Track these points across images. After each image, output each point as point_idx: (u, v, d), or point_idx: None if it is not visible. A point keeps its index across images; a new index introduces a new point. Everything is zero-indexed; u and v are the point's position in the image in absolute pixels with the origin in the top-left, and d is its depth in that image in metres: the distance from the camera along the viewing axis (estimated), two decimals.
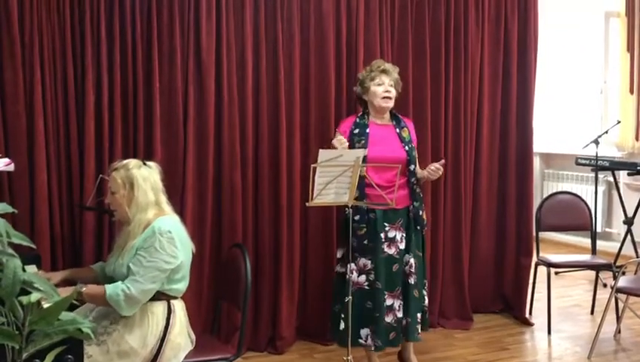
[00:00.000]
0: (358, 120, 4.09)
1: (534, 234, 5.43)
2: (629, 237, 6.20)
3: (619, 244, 6.40)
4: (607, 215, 7.66)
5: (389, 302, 4.00)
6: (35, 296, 1.58)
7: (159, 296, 3.15)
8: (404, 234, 4.03)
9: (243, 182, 4.54)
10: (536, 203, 5.61)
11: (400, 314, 4.03)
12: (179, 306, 3.25)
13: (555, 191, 6.74)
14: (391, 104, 4.09)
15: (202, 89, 4.40)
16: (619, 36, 7.41)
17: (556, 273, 6.31)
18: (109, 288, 3.05)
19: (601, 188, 7.27)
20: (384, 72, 4.07)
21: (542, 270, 5.31)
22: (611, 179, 6.84)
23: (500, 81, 5.30)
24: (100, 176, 3.85)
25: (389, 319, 4.01)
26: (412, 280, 4.05)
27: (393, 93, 4.08)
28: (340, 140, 3.94)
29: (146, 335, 3.10)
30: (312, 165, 3.64)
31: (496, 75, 5.28)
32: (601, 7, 7.66)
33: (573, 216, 5.55)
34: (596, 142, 6.23)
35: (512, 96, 5.30)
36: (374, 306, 3.99)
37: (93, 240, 4.15)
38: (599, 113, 7.84)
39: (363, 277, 4.00)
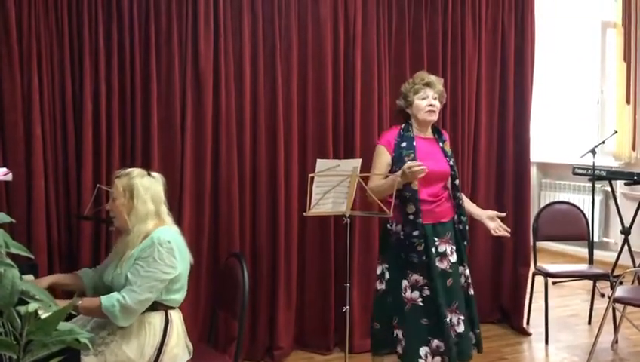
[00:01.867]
0: (402, 132, 3.88)
1: (532, 243, 5.43)
2: (626, 246, 6.20)
3: (616, 254, 6.41)
4: (604, 225, 7.67)
5: (447, 317, 3.79)
6: (33, 306, 1.58)
7: (157, 306, 3.14)
8: (454, 247, 3.86)
9: (240, 191, 4.54)
10: (533, 212, 5.61)
11: (461, 329, 3.82)
12: (176, 316, 3.23)
13: (552, 200, 6.74)
14: (435, 117, 3.91)
15: (200, 97, 4.40)
16: (615, 46, 7.43)
17: (554, 283, 6.32)
18: (104, 299, 3.03)
19: (598, 198, 7.28)
20: (428, 84, 3.88)
21: (539, 280, 5.31)
22: (608, 188, 6.85)
23: (497, 91, 5.31)
24: (98, 185, 3.85)
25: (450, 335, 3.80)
26: (472, 291, 3.94)
27: (437, 106, 3.89)
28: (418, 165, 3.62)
29: (143, 346, 3.09)
30: (310, 175, 3.64)
31: (493, 85, 5.29)
32: (597, 17, 7.69)
33: (570, 226, 5.56)
34: (593, 151, 6.24)
35: (509, 107, 5.31)
36: (433, 323, 3.77)
37: (90, 249, 4.15)
38: (596, 123, 7.87)
39: (416, 293, 3.78)
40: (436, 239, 3.78)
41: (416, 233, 3.72)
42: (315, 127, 4.75)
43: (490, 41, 5.27)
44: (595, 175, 6.34)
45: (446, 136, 4.05)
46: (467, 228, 3.93)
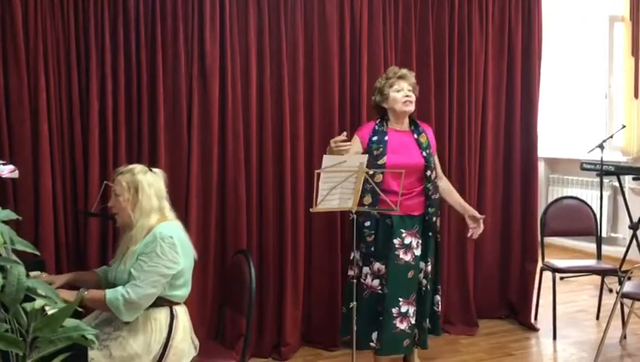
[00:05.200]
0: (376, 127, 4.08)
1: (539, 239, 5.42)
2: (634, 242, 6.17)
3: (624, 249, 6.37)
4: (612, 220, 7.63)
5: (403, 308, 3.98)
6: (39, 303, 1.58)
7: (161, 301, 3.15)
8: (420, 241, 4.05)
9: (247, 188, 4.54)
10: (541, 208, 5.60)
11: (414, 321, 4.03)
12: (182, 312, 3.24)
13: (560, 196, 6.71)
14: (412, 108, 4.09)
15: (206, 96, 4.40)
16: (623, 40, 7.39)
17: (561, 278, 6.29)
18: (109, 293, 3.05)
19: (606, 193, 7.25)
20: (402, 77, 4.07)
21: (547, 275, 5.30)
22: (616, 183, 6.82)
23: (504, 87, 5.29)
24: (105, 182, 3.86)
25: (403, 326, 3.99)
26: (428, 287, 4.11)
27: (413, 97, 4.09)
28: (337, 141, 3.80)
29: (149, 342, 3.10)
30: (316, 171, 3.64)
31: (500, 81, 5.27)
32: (605, 11, 7.65)
33: (578, 221, 5.54)
34: (601, 146, 6.22)
35: (516, 102, 5.30)
36: (383, 311, 4.00)
37: (98, 246, 4.16)
38: (604, 118, 7.82)
39: (377, 282, 4.02)
40: (403, 231, 3.97)
41: (367, 224, 3.97)
42: (322, 123, 4.74)
43: (497, 37, 5.25)
44: (603, 170, 6.31)
45: (425, 128, 4.21)
46: (434, 219, 4.10)
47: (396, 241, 3.97)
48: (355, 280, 3.93)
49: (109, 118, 4.16)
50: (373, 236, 3.99)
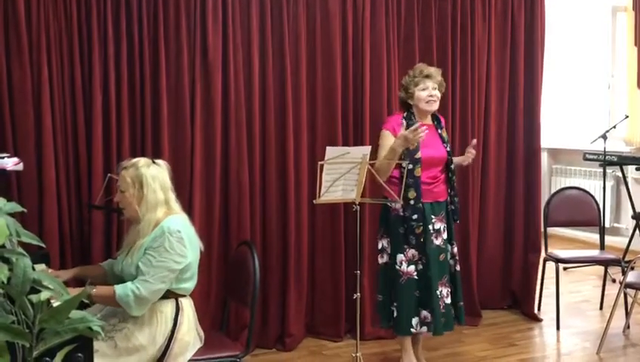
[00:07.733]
0: (405, 120, 4.11)
1: (542, 229, 5.42)
2: (637, 232, 6.17)
3: (627, 239, 6.39)
4: (615, 210, 7.63)
5: (439, 289, 4.10)
6: (45, 295, 1.58)
7: (167, 294, 3.15)
8: (446, 225, 4.16)
9: (250, 180, 4.54)
10: (544, 198, 5.60)
11: (448, 301, 4.14)
12: (187, 304, 3.25)
13: (563, 186, 6.70)
14: (436, 106, 4.14)
15: (209, 88, 4.40)
16: (626, 30, 7.38)
17: (565, 268, 6.29)
18: (119, 289, 3.05)
19: (609, 183, 7.24)
20: (427, 76, 4.11)
21: (550, 266, 5.30)
22: (619, 174, 6.82)
23: (507, 77, 5.29)
24: (109, 175, 3.86)
25: (441, 306, 4.12)
26: (458, 267, 4.26)
27: (437, 96, 4.12)
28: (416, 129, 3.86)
29: (155, 334, 3.11)
30: (320, 162, 3.65)
31: (503, 70, 5.27)
32: (608, 1, 7.64)
33: (581, 212, 5.53)
34: (604, 137, 6.21)
35: (519, 92, 5.29)
36: (426, 294, 4.07)
37: (102, 238, 4.17)
38: (607, 108, 7.81)
39: (412, 267, 4.07)
40: (433, 217, 4.09)
41: (415, 216, 4.02)
42: (325, 114, 4.74)
43: (500, 26, 5.24)
44: (606, 160, 6.31)
45: (443, 122, 4.30)
46: (458, 206, 4.26)
47: (429, 227, 4.07)
48: (385, 267, 4.11)
49: (112, 110, 4.16)
50: (422, 227, 4.02)
